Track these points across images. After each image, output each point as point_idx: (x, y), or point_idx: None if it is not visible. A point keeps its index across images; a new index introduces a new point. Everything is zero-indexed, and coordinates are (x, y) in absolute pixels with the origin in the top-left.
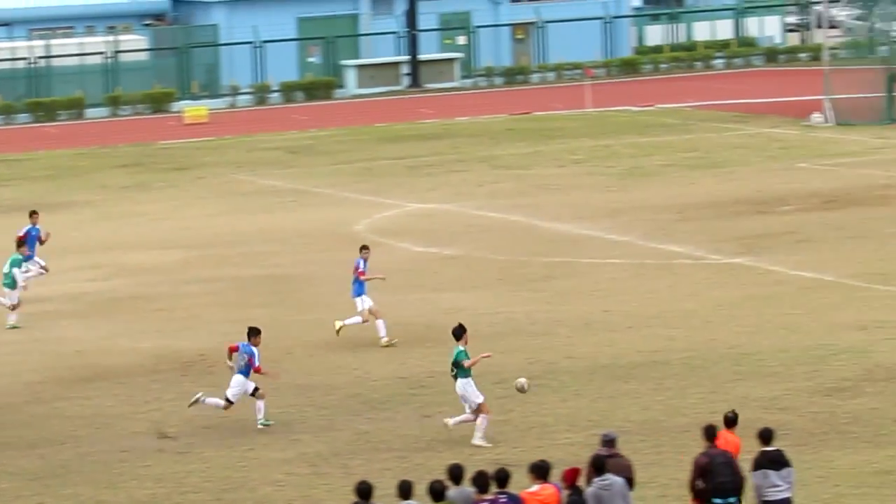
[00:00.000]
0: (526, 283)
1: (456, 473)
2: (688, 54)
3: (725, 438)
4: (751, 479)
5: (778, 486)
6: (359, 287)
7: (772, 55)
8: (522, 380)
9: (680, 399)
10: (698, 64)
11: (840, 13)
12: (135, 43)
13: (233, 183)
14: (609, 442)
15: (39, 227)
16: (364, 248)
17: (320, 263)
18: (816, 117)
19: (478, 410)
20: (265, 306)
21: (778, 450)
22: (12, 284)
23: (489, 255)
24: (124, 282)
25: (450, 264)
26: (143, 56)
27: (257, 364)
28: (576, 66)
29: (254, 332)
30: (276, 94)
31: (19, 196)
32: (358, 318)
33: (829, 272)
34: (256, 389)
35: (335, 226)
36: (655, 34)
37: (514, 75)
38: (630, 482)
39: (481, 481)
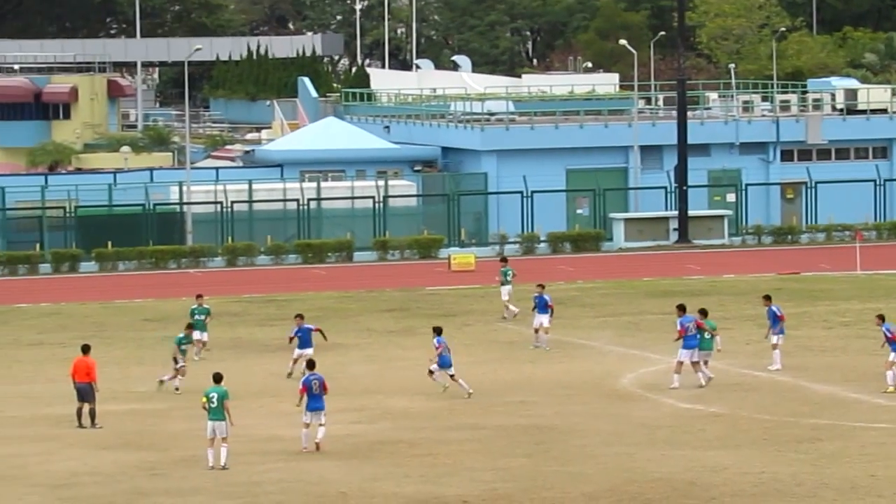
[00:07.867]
0: (792, 443)
1: None
2: None
3: None
4: None
5: None
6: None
7: None
8: None
9: None
10: None
11: None
12: (405, 188)
13: (499, 332)
14: None
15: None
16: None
17: (583, 415)
18: None
19: None
20: (528, 456)
21: None
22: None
23: (755, 414)
24: (388, 425)
25: (715, 422)
26: (412, 202)
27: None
28: (845, 228)
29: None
30: (543, 245)
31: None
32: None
33: None
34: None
35: (599, 378)
36: None
37: (782, 235)
38: None
39: None
